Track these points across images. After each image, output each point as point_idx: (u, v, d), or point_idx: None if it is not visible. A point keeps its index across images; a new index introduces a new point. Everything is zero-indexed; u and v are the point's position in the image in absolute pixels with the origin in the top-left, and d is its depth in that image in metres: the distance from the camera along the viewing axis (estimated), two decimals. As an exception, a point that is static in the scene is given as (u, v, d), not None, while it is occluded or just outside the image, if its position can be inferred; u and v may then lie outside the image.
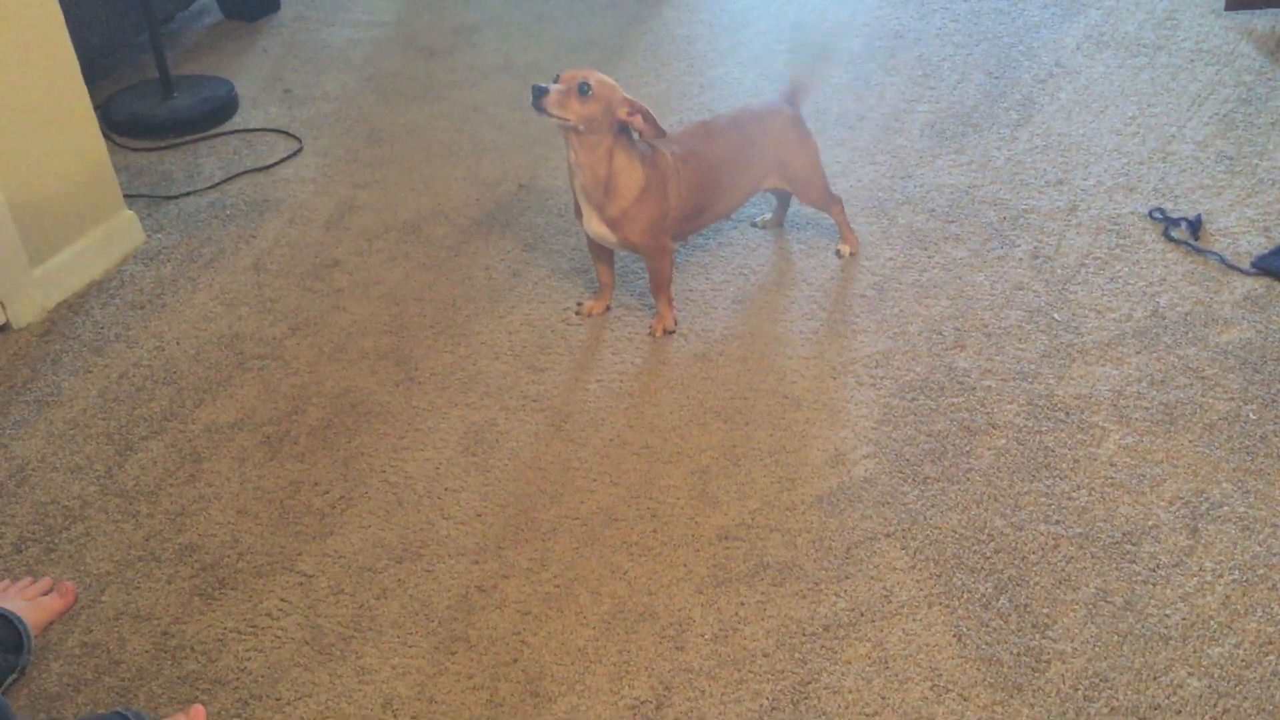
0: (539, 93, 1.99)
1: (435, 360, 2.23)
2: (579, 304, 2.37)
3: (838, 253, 2.47)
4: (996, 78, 3.09)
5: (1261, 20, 3.22)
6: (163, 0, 3.21)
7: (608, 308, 2.36)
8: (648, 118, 2.08)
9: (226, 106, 3.14)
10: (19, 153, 2.31)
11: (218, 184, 2.83)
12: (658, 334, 2.27)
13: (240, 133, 3.07)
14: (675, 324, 2.28)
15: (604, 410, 2.09)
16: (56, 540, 1.88)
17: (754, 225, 2.59)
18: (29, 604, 1.70)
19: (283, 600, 1.76)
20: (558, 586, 1.76)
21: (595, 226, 2.18)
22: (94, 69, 2.83)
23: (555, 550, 1.82)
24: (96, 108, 2.52)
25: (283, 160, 2.93)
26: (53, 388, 2.21)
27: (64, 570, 1.82)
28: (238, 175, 2.87)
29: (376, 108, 3.18)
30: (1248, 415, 1.97)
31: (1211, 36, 3.17)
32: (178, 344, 2.31)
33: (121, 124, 3.05)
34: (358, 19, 3.71)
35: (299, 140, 3.01)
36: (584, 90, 2.01)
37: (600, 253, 2.30)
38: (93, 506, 1.94)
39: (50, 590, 1.75)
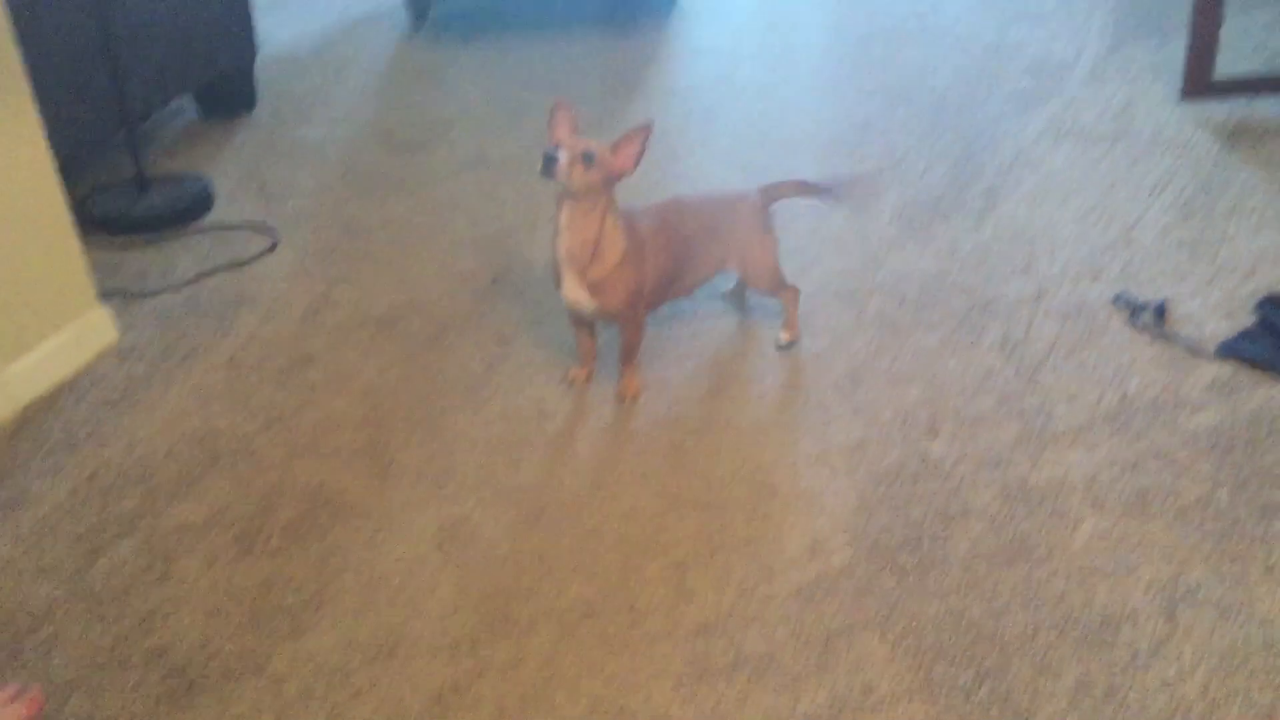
0: (550, 161, 2.08)
1: (410, 454, 2.23)
2: (567, 371, 2.42)
3: (777, 341, 2.49)
4: (961, 167, 3.16)
5: (1217, 110, 3.32)
6: (140, 98, 3.25)
7: (590, 375, 2.41)
8: (631, 142, 2.16)
9: (202, 203, 3.16)
10: (-7, 252, 2.32)
11: (192, 280, 2.84)
12: (628, 400, 2.31)
13: (216, 229, 3.09)
14: (642, 389, 2.35)
15: (580, 501, 2.08)
16: (22, 645, 1.84)
17: (721, 296, 2.65)
18: (-7, 713, 1.66)
19: (254, 704, 1.72)
20: (534, 684, 1.73)
21: (574, 291, 2.22)
22: (70, 166, 2.85)
23: (531, 646, 1.79)
24: (72, 205, 2.53)
25: (258, 256, 2.95)
26: (21, 488, 2.18)
27: (29, 676, 1.78)
28: (213, 271, 2.88)
29: (352, 203, 3.21)
30: (1220, 499, 1.98)
31: (1168, 126, 3.26)
32: (149, 442, 2.30)
33: (97, 221, 3.06)
34: (333, 116, 3.76)
35: (274, 236, 3.03)
36: (588, 159, 2.10)
37: (581, 321, 2.36)
38: (60, 609, 1.91)
39: (17, 697, 1.71)
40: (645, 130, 2.18)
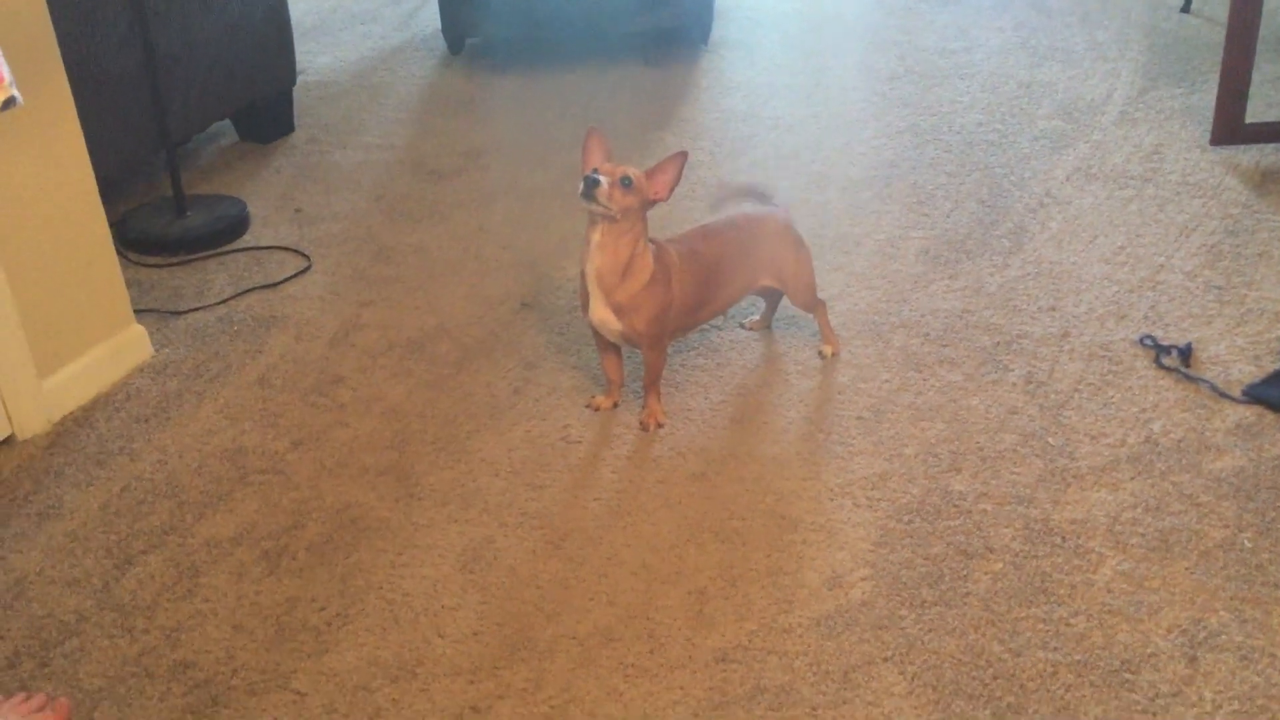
0: (592, 184, 2.12)
1: (435, 476, 2.25)
2: (591, 398, 2.44)
3: (820, 353, 2.55)
4: (989, 206, 3.17)
5: (1246, 155, 3.32)
6: (180, 122, 3.31)
7: (616, 404, 2.42)
8: (665, 170, 2.22)
9: (238, 225, 3.22)
10: (34, 268, 2.37)
11: (227, 300, 2.89)
12: (650, 428, 2.34)
13: (251, 250, 3.14)
14: (665, 418, 2.36)
15: (602, 528, 2.10)
16: (51, 655, 1.87)
17: (742, 326, 2.67)
18: (23, 720, 1.68)
19: None
20: (553, 708, 1.74)
21: (601, 313, 2.26)
22: (111, 187, 2.91)
23: (551, 671, 1.81)
24: (111, 225, 2.58)
25: (291, 277, 2.99)
26: (54, 500, 2.22)
27: (57, 686, 1.81)
28: (247, 292, 2.92)
29: (384, 228, 3.25)
30: (1243, 543, 1.98)
31: (1197, 170, 3.27)
32: (180, 457, 2.33)
33: (135, 241, 3.12)
34: (369, 142, 3.82)
35: (308, 258, 3.08)
36: (626, 183, 2.16)
37: (607, 346, 2.37)
38: (89, 621, 1.94)
39: (44, 707, 1.73)
40: (680, 159, 2.22)
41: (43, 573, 2.05)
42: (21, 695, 1.75)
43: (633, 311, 2.24)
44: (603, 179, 2.13)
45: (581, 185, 2.14)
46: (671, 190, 2.23)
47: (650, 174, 2.22)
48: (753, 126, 3.77)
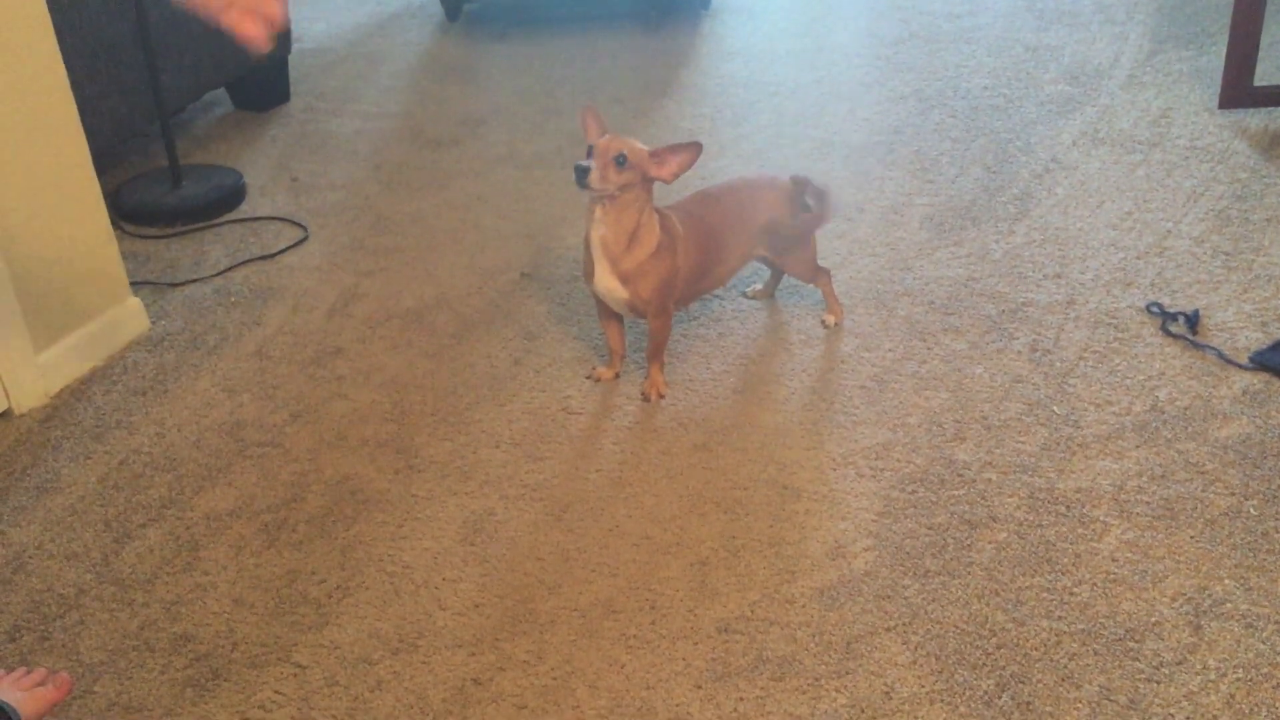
0: (583, 173, 2.09)
1: (435, 448, 2.24)
2: (592, 369, 2.42)
3: (823, 322, 2.53)
4: (994, 172, 3.14)
5: (1254, 118, 3.28)
6: (174, 91, 3.28)
7: (617, 375, 2.40)
8: (676, 153, 2.18)
9: (234, 195, 3.19)
10: (28, 240, 2.35)
11: (223, 271, 2.87)
12: (652, 398, 2.32)
13: (247, 221, 3.11)
14: (667, 388, 2.35)
15: (603, 500, 2.09)
16: (51, 629, 1.86)
17: (744, 295, 2.64)
18: (24, 695, 1.67)
19: (276, 692, 1.74)
20: (555, 680, 1.74)
21: (606, 281, 2.23)
22: (105, 158, 2.88)
23: (553, 642, 1.80)
24: (106, 196, 2.56)
25: (288, 248, 2.97)
26: (52, 474, 2.21)
27: (57, 659, 1.80)
28: (243, 263, 2.90)
29: (382, 197, 3.23)
30: (1249, 511, 1.96)
31: (1205, 134, 3.23)
32: (178, 431, 2.32)
33: (130, 212, 3.10)
34: (365, 110, 3.78)
35: (305, 228, 3.05)
36: (620, 161, 2.12)
37: (609, 316, 2.35)
38: (88, 595, 1.93)
39: (45, 681, 1.73)
40: (695, 149, 2.19)
41: (41, 547, 2.04)
42: (22, 670, 1.74)
43: (639, 279, 2.22)
44: (593, 165, 2.10)
45: (574, 175, 2.11)
46: (677, 175, 2.20)
47: (657, 153, 2.18)
48: (754, 92, 3.73)
